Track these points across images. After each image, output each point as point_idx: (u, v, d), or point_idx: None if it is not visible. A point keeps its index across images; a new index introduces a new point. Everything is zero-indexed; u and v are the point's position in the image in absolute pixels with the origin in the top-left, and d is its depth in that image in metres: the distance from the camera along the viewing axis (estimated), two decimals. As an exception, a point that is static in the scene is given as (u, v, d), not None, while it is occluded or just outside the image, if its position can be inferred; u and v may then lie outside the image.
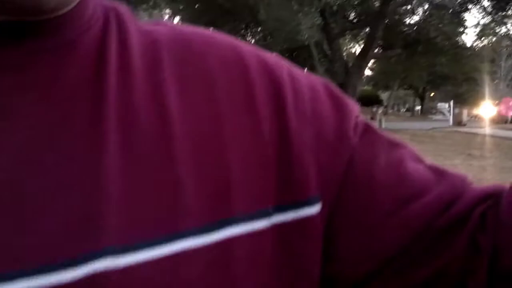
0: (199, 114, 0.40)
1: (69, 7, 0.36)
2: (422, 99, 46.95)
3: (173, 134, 0.37)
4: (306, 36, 13.82)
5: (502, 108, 28.77)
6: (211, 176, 0.38)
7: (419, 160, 0.48)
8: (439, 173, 0.46)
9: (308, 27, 13.63)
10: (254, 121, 0.42)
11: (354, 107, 0.48)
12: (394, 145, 0.47)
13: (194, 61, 0.42)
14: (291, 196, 0.41)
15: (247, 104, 0.42)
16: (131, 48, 0.40)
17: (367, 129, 0.47)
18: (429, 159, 0.49)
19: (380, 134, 0.48)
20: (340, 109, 0.46)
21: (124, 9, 0.44)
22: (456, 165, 9.80)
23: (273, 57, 0.47)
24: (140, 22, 0.44)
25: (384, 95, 49.25)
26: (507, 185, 0.44)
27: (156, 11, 27.57)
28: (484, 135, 16.89)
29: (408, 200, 0.43)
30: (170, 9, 26.59)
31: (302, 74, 0.48)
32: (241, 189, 0.39)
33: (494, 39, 31.85)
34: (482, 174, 8.85)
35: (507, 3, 22.13)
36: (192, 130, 0.38)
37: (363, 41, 22.13)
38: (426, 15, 19.65)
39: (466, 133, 17.92)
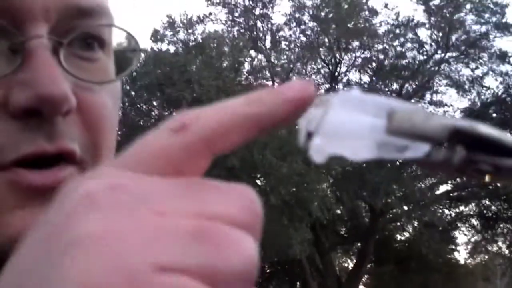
0: None
1: None
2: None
3: None
4: (298, 250, 13.73)
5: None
6: None
7: None
8: None
9: (299, 242, 13.62)
10: None
11: None
12: None
13: None
14: None
15: None
16: None
17: None
18: None
19: None
20: None
21: None
22: None
23: None
24: None
25: (380, 312, 47.38)
26: None
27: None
28: None
29: None
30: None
31: None
32: None
33: (486, 257, 31.83)
34: None
35: (496, 222, 22.52)
36: None
37: (355, 256, 22.01)
38: (417, 231, 19.86)
39: None
